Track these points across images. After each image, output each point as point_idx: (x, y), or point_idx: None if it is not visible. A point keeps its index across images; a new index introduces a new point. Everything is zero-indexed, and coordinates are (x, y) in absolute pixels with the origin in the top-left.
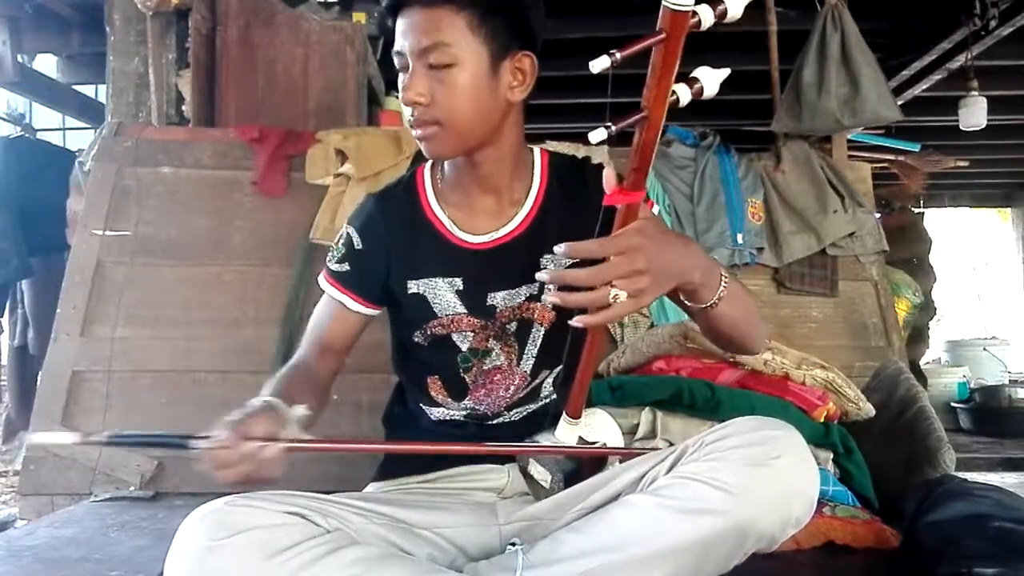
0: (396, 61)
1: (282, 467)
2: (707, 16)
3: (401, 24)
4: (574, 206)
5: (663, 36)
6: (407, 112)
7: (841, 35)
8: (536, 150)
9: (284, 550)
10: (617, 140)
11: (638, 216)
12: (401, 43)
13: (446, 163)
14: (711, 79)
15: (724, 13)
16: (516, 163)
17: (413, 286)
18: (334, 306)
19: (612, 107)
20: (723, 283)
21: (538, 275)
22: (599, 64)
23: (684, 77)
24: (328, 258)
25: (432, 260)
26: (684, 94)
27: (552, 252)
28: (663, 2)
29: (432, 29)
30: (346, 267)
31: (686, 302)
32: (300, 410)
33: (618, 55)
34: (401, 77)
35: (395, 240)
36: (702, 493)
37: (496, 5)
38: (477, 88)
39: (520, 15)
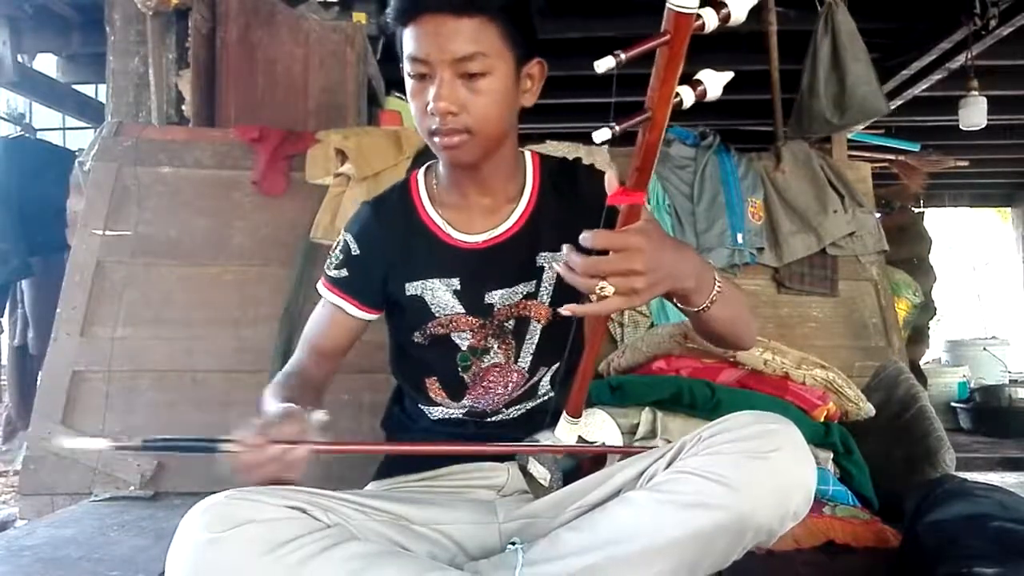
0: (411, 67)
1: (304, 469)
2: (711, 19)
3: (424, 31)
4: (567, 204)
5: (667, 38)
6: (430, 122)
7: (832, 35)
8: (527, 152)
9: (284, 544)
10: (620, 140)
11: (640, 217)
12: (426, 51)
13: (441, 167)
14: (714, 81)
15: (728, 16)
16: (512, 164)
17: (411, 288)
18: (332, 311)
19: (615, 107)
20: (716, 287)
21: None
22: (604, 64)
23: (686, 78)
24: (326, 265)
25: (429, 262)
26: (687, 96)
27: (548, 250)
28: (668, 4)
29: (470, 39)
30: (344, 273)
31: (678, 305)
32: (319, 414)
33: (623, 56)
34: (415, 84)
35: (392, 244)
36: (701, 487)
37: (520, 13)
38: (506, 95)
39: (533, 22)
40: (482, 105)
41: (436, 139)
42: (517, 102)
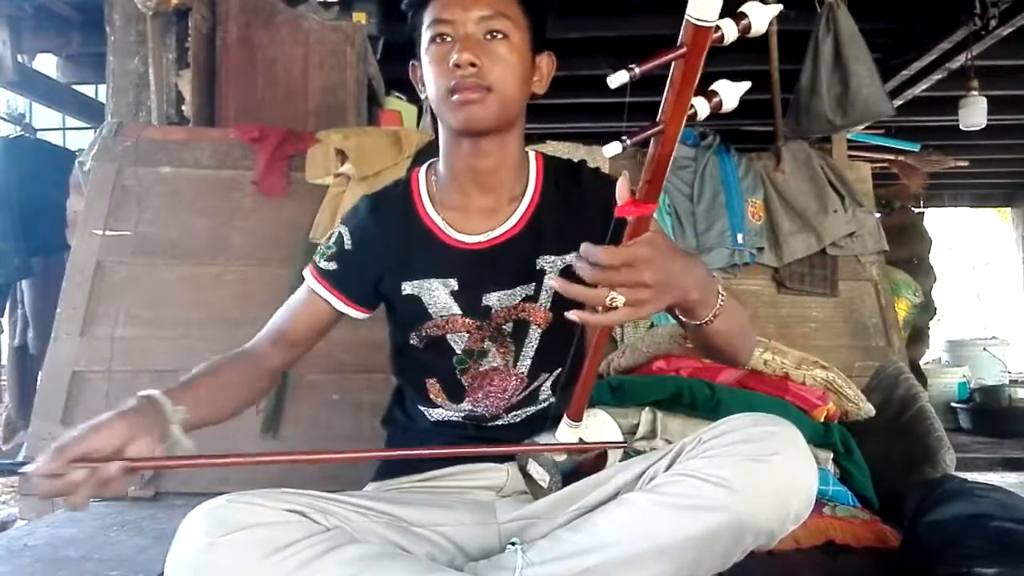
0: (434, 29)
1: (128, 482)
2: (731, 31)
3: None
4: (569, 207)
5: (684, 51)
6: (450, 79)
7: (834, 36)
8: (531, 153)
9: (283, 547)
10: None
11: (648, 228)
12: (451, 11)
13: (441, 165)
14: (730, 92)
15: (748, 27)
16: (517, 161)
17: (407, 287)
18: (310, 299)
19: (614, 107)
20: (720, 301)
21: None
22: (617, 79)
23: (699, 86)
24: (317, 254)
25: (427, 261)
26: (702, 108)
27: (549, 253)
28: (686, 16)
29: (494, 1)
30: (334, 265)
31: (681, 317)
32: (180, 412)
33: (637, 70)
34: (437, 48)
35: (389, 242)
36: (701, 489)
37: (536, 2)
38: (522, 66)
39: (546, 19)
40: (502, 65)
41: (455, 96)
42: (530, 83)
